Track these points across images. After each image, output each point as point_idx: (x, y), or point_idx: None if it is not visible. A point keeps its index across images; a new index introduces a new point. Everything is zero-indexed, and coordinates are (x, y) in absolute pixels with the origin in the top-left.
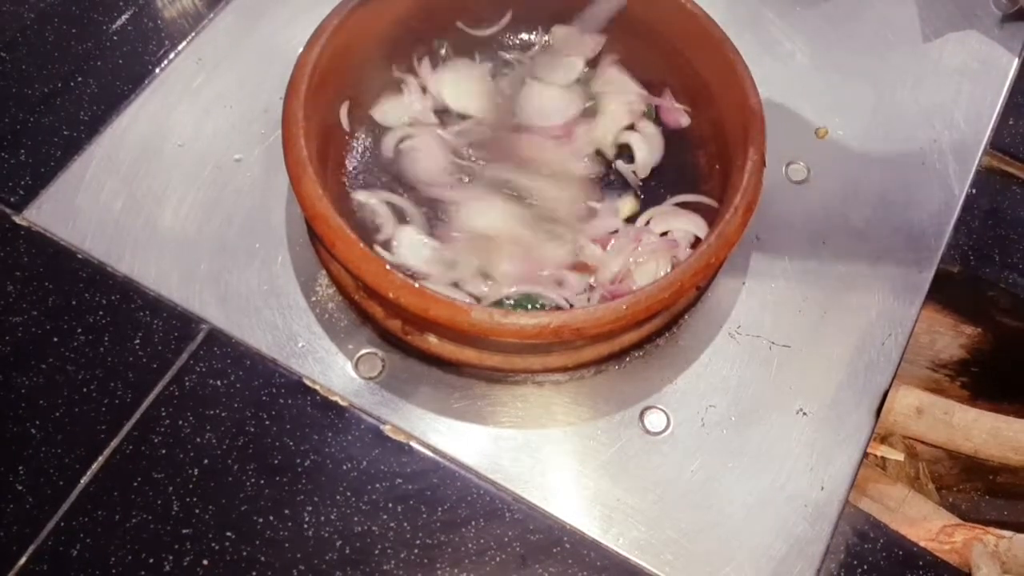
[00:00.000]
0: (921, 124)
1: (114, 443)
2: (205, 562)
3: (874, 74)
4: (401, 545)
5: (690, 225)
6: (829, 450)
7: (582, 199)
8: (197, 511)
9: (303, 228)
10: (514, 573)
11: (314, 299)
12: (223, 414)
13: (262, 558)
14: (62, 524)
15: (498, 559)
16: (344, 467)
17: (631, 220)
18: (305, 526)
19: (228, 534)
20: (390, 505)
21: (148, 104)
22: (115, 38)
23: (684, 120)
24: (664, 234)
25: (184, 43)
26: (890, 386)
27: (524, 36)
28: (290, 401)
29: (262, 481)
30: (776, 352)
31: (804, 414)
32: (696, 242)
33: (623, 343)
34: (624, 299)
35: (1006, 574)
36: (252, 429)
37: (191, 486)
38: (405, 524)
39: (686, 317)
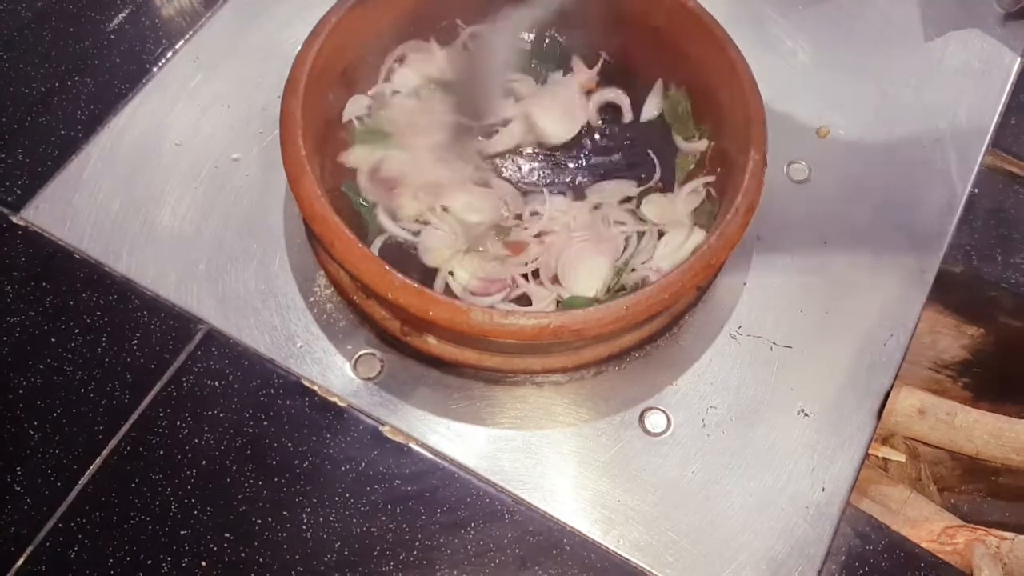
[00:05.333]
0: (923, 123)
1: (112, 444)
2: (203, 563)
3: (876, 73)
4: (400, 547)
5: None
6: (830, 451)
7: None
8: (195, 512)
9: (301, 228)
10: (514, 575)
11: (312, 299)
12: (221, 415)
13: (260, 559)
14: (60, 525)
15: (498, 561)
16: (343, 468)
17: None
18: (303, 527)
19: (226, 535)
20: (389, 506)
21: (146, 103)
22: (112, 37)
23: None
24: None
25: (182, 42)
26: (892, 387)
27: (525, 36)
28: (288, 402)
29: (260, 482)
30: (777, 353)
31: (805, 415)
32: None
33: (623, 344)
34: (624, 299)
35: None
36: (250, 430)
37: (189, 487)
38: (404, 526)
39: (687, 317)
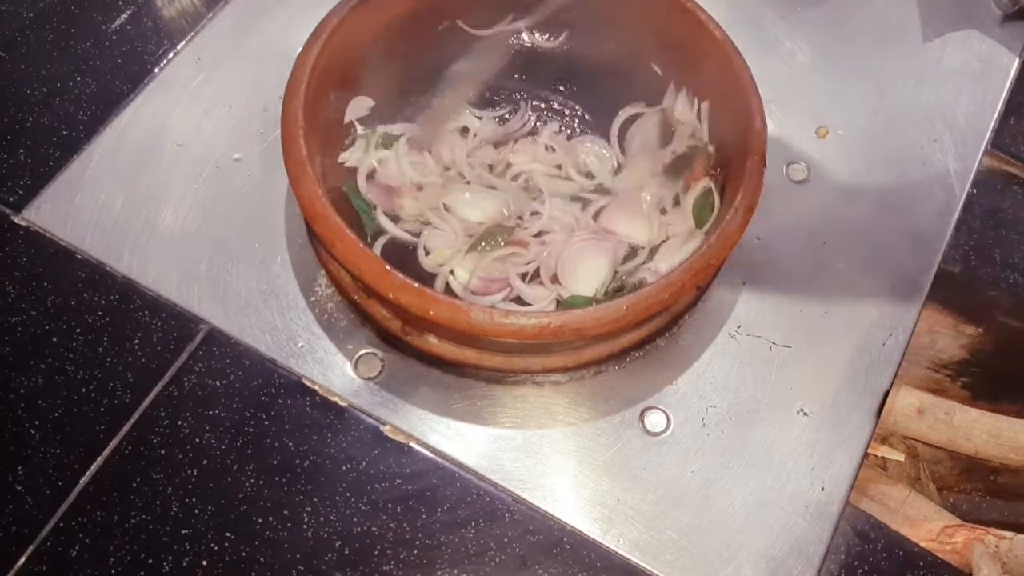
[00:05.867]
0: (922, 124)
1: (113, 443)
2: (204, 563)
3: (875, 74)
4: (401, 546)
5: None
6: (830, 450)
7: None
8: (196, 512)
9: (302, 228)
10: (514, 574)
11: (313, 299)
12: (222, 414)
13: (261, 559)
14: (61, 524)
15: (498, 560)
16: (343, 468)
17: None
18: (304, 527)
19: (227, 535)
20: (390, 506)
21: (147, 104)
22: (114, 38)
23: None
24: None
25: (183, 43)
26: (891, 386)
27: (525, 38)
28: (289, 401)
29: (261, 481)
30: (776, 352)
31: (804, 414)
32: None
33: (623, 343)
34: (624, 299)
35: (1007, 575)
36: (251, 429)
37: (190, 486)
38: (405, 525)
39: (686, 317)
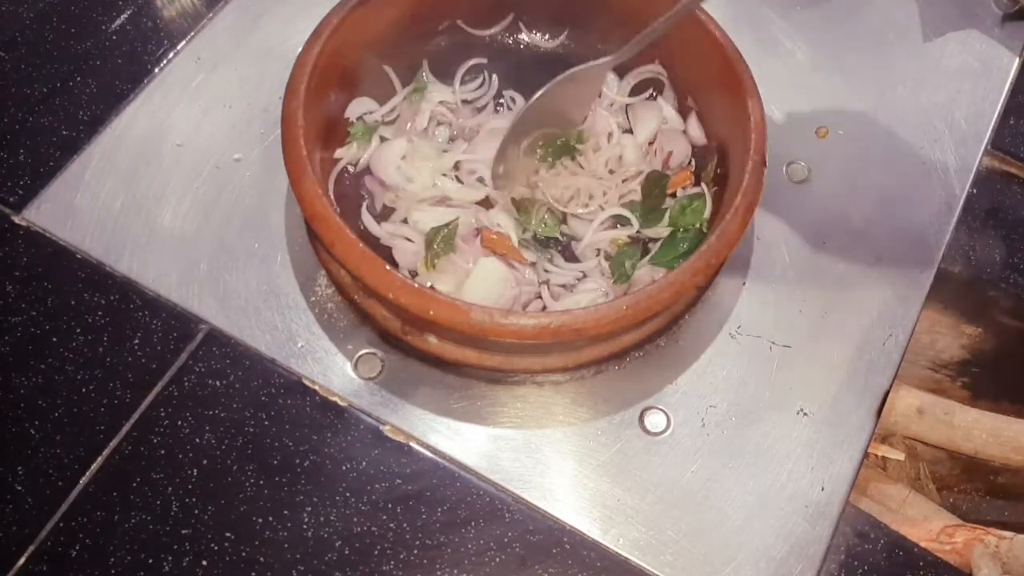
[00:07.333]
0: (922, 124)
1: (113, 443)
2: (204, 562)
3: (875, 74)
4: (401, 546)
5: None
6: (830, 450)
7: None
8: (196, 511)
9: (302, 228)
10: (514, 574)
11: (313, 299)
12: (222, 414)
13: (261, 559)
14: (61, 524)
15: (498, 560)
16: (344, 467)
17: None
18: (304, 527)
19: (227, 534)
20: (390, 506)
21: (147, 104)
22: (114, 38)
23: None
24: None
25: (183, 43)
26: (891, 386)
27: (524, 38)
28: (289, 401)
29: (261, 481)
30: (776, 352)
31: (805, 414)
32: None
33: (623, 343)
34: (624, 299)
35: (1007, 575)
36: (251, 429)
37: (190, 486)
38: (405, 525)
39: (686, 317)
